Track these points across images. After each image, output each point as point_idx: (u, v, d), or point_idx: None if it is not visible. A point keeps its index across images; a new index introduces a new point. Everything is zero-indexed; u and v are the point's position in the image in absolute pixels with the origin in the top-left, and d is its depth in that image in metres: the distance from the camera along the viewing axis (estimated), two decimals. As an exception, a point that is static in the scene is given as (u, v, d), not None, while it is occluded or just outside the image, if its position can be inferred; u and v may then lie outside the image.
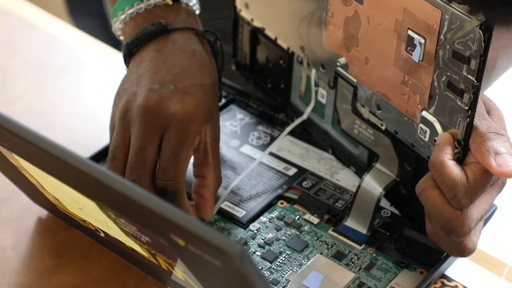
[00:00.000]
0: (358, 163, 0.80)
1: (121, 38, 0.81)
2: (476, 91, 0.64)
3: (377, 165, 0.76)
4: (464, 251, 0.69)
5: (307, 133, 0.85)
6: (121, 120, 0.74)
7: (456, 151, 0.67)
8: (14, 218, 0.79)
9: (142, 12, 0.78)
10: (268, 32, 0.84)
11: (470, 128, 0.66)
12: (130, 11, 0.78)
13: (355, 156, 0.80)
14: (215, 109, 0.77)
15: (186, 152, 0.73)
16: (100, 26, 1.39)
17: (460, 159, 0.67)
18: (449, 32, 0.64)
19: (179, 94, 0.73)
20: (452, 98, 0.66)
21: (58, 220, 0.78)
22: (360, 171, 0.79)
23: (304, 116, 0.83)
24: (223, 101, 0.89)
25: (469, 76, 0.64)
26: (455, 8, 0.63)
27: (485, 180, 0.66)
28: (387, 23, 0.69)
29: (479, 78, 0.63)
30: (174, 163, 0.72)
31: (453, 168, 0.66)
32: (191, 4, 0.80)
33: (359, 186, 0.76)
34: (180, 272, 0.64)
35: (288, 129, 0.84)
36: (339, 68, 0.76)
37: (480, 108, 0.67)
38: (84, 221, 0.72)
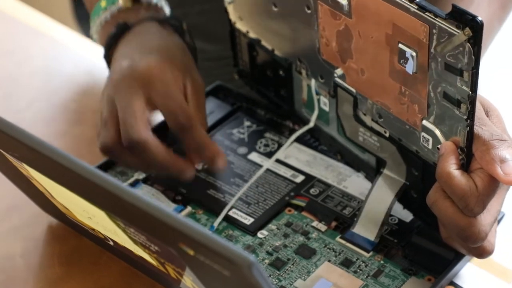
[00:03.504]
0: (368, 168, 0.80)
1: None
2: (472, 101, 0.63)
3: (385, 171, 0.76)
4: (483, 254, 0.69)
5: (315, 139, 0.85)
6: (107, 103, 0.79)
7: (460, 157, 0.67)
8: (23, 226, 0.79)
9: (109, 20, 0.84)
10: (264, 43, 0.84)
11: (471, 135, 0.66)
12: (98, 21, 0.85)
13: (364, 161, 0.80)
14: (190, 66, 0.81)
15: (134, 105, 0.76)
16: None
17: (465, 165, 0.67)
18: (439, 46, 0.64)
19: (145, 55, 0.79)
20: (450, 108, 0.66)
21: (68, 228, 0.78)
22: (371, 176, 0.79)
23: (311, 124, 0.83)
24: (230, 108, 0.90)
25: (464, 87, 0.63)
26: (441, 23, 0.62)
27: (494, 185, 0.66)
28: (377, 36, 0.69)
29: (474, 89, 0.63)
30: (131, 120, 0.76)
31: (461, 178, 0.66)
32: (154, 1, 0.85)
33: (369, 193, 0.76)
34: (189, 280, 0.65)
35: (294, 136, 0.84)
36: (337, 79, 0.76)
37: (478, 111, 0.67)
38: (93, 229, 0.72)
